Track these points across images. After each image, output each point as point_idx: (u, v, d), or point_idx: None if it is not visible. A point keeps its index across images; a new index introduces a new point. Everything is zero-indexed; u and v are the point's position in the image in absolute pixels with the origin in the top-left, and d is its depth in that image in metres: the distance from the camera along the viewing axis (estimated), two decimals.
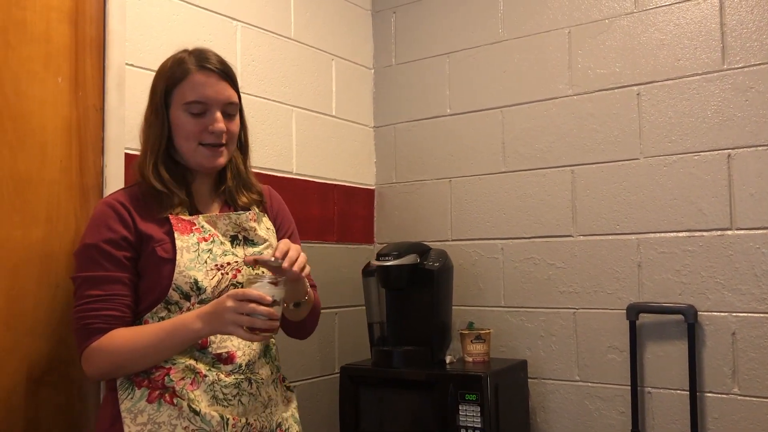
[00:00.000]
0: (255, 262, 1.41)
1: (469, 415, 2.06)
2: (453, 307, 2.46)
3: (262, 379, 1.50)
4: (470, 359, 2.31)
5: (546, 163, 2.43)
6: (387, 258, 2.30)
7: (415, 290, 2.33)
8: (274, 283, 1.34)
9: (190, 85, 1.47)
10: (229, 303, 1.32)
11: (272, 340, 1.58)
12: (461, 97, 2.64)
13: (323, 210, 2.55)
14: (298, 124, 2.47)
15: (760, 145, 2.06)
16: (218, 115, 1.48)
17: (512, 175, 2.50)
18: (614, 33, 2.32)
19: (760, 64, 2.08)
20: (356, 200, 2.73)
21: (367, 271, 2.42)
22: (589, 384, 2.31)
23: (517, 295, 2.47)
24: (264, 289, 1.33)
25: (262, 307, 1.31)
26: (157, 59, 1.96)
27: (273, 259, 1.37)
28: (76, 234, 1.72)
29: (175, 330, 1.37)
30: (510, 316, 2.48)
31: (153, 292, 1.43)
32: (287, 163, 2.41)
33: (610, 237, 2.29)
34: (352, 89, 2.75)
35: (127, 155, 1.86)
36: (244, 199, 1.59)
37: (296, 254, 1.40)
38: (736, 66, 2.11)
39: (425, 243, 2.48)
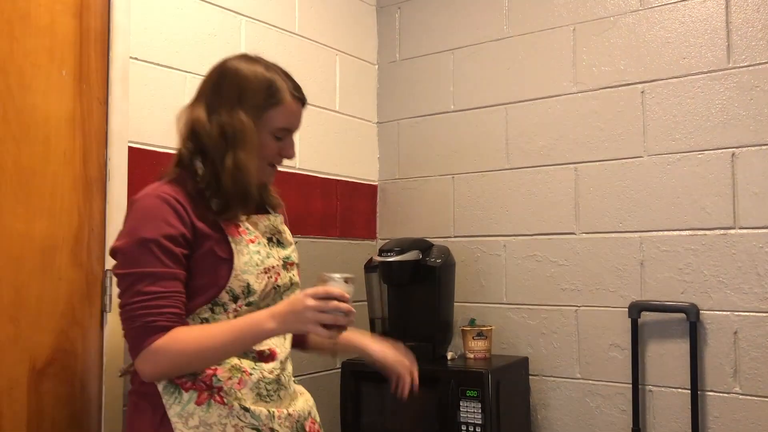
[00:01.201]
0: (323, 281, 1.40)
1: (470, 411, 2.07)
2: (455, 304, 2.46)
3: (289, 373, 1.54)
4: (472, 356, 2.31)
5: (549, 161, 2.43)
6: (389, 254, 2.30)
7: (417, 286, 2.33)
8: (346, 281, 1.38)
9: (285, 113, 1.50)
10: (310, 302, 1.32)
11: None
12: (465, 93, 2.63)
13: (326, 205, 2.55)
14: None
15: (764, 144, 2.05)
16: (293, 140, 1.55)
17: (515, 172, 2.50)
18: (619, 30, 2.31)
19: (765, 63, 2.07)
20: (359, 196, 2.73)
21: (370, 267, 2.42)
22: (591, 382, 2.31)
23: (519, 292, 2.46)
24: (341, 286, 1.36)
25: (344, 304, 1.33)
26: (161, 53, 1.98)
27: (344, 277, 1.39)
28: (79, 226, 1.73)
29: (248, 330, 1.37)
30: (512, 313, 2.48)
31: (208, 291, 1.41)
32: None
33: (613, 235, 2.29)
34: (356, 85, 2.75)
35: (130, 149, 1.86)
36: (272, 201, 1.63)
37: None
38: (741, 65, 2.11)
39: (428, 239, 2.48)
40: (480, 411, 2.05)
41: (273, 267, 1.48)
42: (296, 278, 1.57)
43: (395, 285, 2.37)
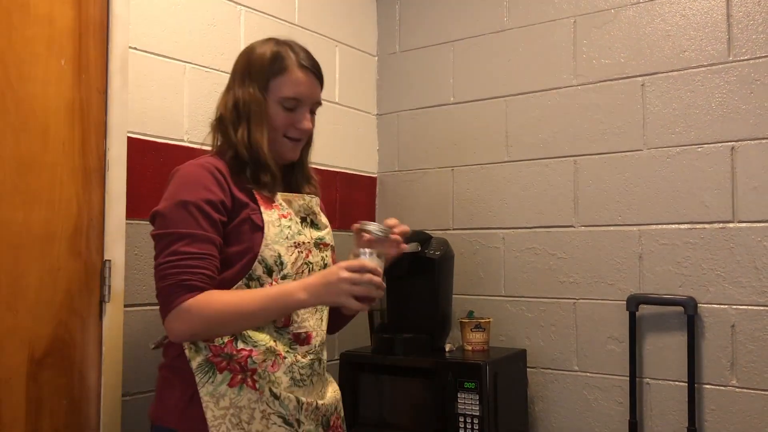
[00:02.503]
0: (361, 230, 1.42)
1: (468, 403, 2.07)
2: (453, 296, 2.47)
3: (324, 360, 1.57)
4: (470, 348, 2.32)
5: (549, 153, 2.42)
6: None
7: (416, 278, 2.33)
8: (378, 256, 1.39)
9: (290, 82, 1.51)
10: (345, 274, 1.34)
11: None
12: (465, 85, 2.63)
13: (325, 197, 2.50)
14: None
15: (764, 138, 2.05)
16: (308, 114, 1.55)
17: (515, 164, 2.50)
18: (620, 23, 2.31)
19: (765, 57, 2.06)
20: (358, 188, 2.73)
21: None
22: (588, 374, 2.31)
23: (517, 285, 2.47)
24: (373, 261, 1.38)
25: (377, 278, 1.35)
26: (160, 43, 1.97)
27: (383, 228, 1.40)
28: (77, 216, 1.73)
29: (280, 298, 1.38)
30: (510, 305, 2.48)
31: (243, 258, 1.43)
32: None
33: (612, 228, 2.29)
34: (355, 76, 2.74)
35: (129, 139, 1.86)
36: (308, 190, 1.64)
37: (405, 228, 1.43)
38: (741, 58, 2.10)
39: (427, 231, 2.48)
40: (478, 403, 2.06)
41: (304, 243, 1.51)
42: (329, 260, 1.58)
43: (394, 277, 2.37)
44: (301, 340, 1.48)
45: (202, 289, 1.36)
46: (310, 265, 1.51)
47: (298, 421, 1.43)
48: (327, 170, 2.57)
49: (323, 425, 1.51)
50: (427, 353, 2.27)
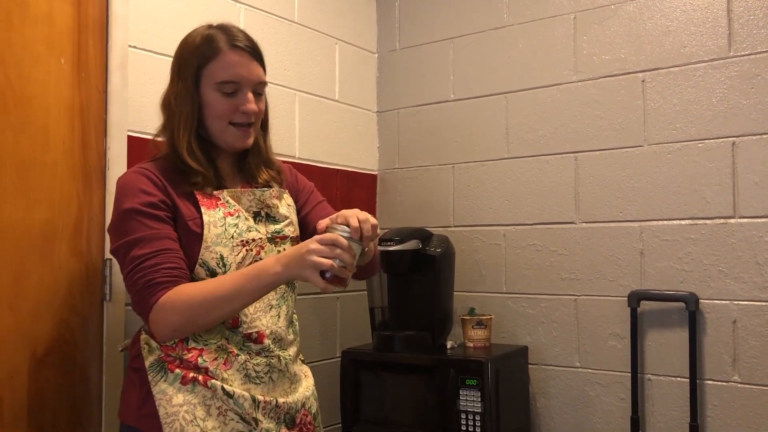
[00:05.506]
0: (327, 230, 1.33)
1: (470, 400, 2.07)
2: (454, 293, 2.46)
3: (289, 356, 1.52)
4: (471, 345, 2.32)
5: (549, 150, 2.42)
6: (389, 243, 2.30)
7: (416, 276, 2.34)
8: (356, 241, 1.30)
9: (223, 65, 1.45)
10: (314, 245, 1.27)
11: (295, 315, 1.59)
12: (465, 82, 2.62)
13: (325, 195, 2.52)
14: (301, 109, 2.46)
15: (765, 133, 2.05)
16: (250, 95, 1.47)
17: (515, 161, 2.49)
18: (620, 19, 2.30)
19: (766, 52, 2.06)
20: (359, 185, 2.72)
21: None
22: (590, 370, 2.31)
23: (518, 282, 2.47)
24: (352, 244, 1.29)
25: (348, 255, 1.27)
26: (160, 41, 1.97)
27: (347, 233, 1.29)
28: (78, 216, 1.73)
29: (254, 275, 1.33)
30: (511, 302, 2.48)
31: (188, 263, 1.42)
32: (290, 147, 2.40)
33: (613, 224, 2.29)
34: (355, 74, 2.74)
35: (129, 137, 1.86)
36: (264, 176, 1.58)
37: (370, 228, 1.32)
38: (742, 53, 2.10)
39: (427, 228, 2.48)
40: (480, 399, 2.06)
41: (254, 240, 1.46)
42: None
43: (395, 274, 2.37)
44: (253, 339, 1.44)
45: (169, 283, 1.34)
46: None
47: (255, 420, 1.41)
48: (327, 168, 2.57)
49: (286, 423, 1.48)
50: (428, 350, 2.27)
